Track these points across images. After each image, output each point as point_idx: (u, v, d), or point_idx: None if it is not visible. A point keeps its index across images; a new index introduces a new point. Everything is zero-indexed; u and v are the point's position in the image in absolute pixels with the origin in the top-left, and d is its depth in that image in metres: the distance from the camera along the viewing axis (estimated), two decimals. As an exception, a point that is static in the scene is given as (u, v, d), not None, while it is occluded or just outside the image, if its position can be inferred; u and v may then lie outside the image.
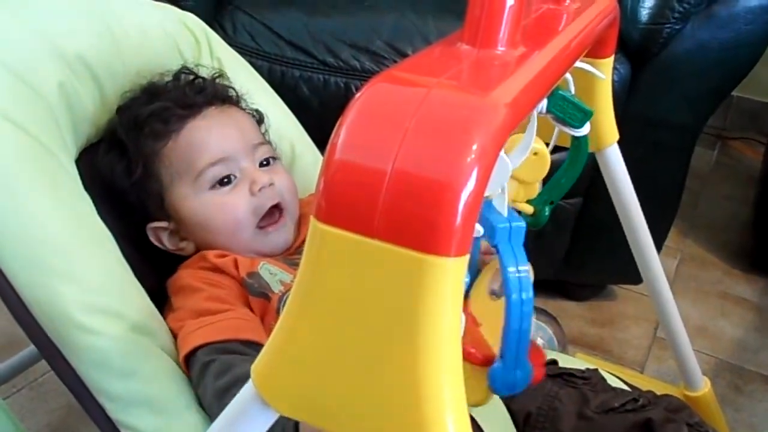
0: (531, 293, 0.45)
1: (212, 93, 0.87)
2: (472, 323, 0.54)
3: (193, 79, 0.89)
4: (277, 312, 0.77)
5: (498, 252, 0.46)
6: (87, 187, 0.77)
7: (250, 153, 0.85)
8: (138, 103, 0.85)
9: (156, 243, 0.86)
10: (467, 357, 0.50)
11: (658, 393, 0.89)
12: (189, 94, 0.85)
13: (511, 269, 0.45)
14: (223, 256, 0.81)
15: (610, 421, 0.83)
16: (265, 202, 0.83)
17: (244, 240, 0.83)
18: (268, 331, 0.76)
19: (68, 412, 1.24)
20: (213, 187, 0.83)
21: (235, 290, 0.79)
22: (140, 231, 0.86)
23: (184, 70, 0.90)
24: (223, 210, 0.82)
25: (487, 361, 0.49)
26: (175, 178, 0.83)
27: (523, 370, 0.48)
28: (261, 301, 0.78)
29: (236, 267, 0.79)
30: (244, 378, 0.69)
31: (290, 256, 0.85)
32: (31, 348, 1.03)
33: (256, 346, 0.71)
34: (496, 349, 0.50)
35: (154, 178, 0.83)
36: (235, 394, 0.67)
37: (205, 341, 0.72)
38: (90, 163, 0.84)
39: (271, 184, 0.84)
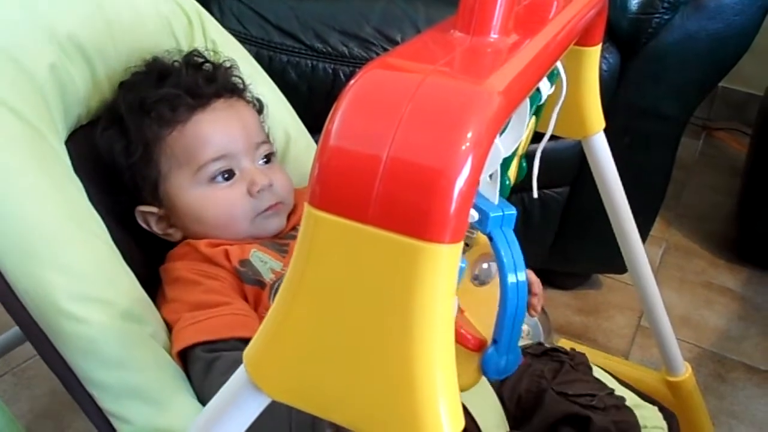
0: (525, 277, 0.46)
1: (222, 83, 0.86)
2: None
3: (202, 64, 0.87)
4: (270, 301, 0.77)
5: (492, 239, 0.46)
6: (76, 169, 0.77)
7: (251, 152, 0.84)
8: (145, 84, 0.84)
9: (143, 225, 0.85)
10: (461, 341, 0.50)
11: (630, 404, 0.87)
12: (200, 83, 0.84)
13: (505, 255, 0.45)
14: (214, 246, 0.80)
15: (556, 403, 0.84)
16: (262, 204, 0.83)
17: (238, 231, 0.83)
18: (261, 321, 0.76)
19: (52, 398, 1.24)
20: (211, 180, 0.82)
21: (229, 281, 0.78)
22: (130, 212, 0.85)
23: (195, 53, 0.89)
24: (218, 204, 0.82)
25: (480, 346, 0.50)
26: (174, 168, 0.82)
27: (514, 354, 0.48)
28: (256, 289, 0.78)
29: (227, 257, 0.79)
30: None
31: (279, 240, 0.85)
32: (14, 330, 1.02)
33: None
34: (485, 335, 0.51)
35: (153, 164, 0.82)
36: None
37: (203, 339, 0.72)
38: (80, 144, 0.83)
39: (270, 185, 0.84)
